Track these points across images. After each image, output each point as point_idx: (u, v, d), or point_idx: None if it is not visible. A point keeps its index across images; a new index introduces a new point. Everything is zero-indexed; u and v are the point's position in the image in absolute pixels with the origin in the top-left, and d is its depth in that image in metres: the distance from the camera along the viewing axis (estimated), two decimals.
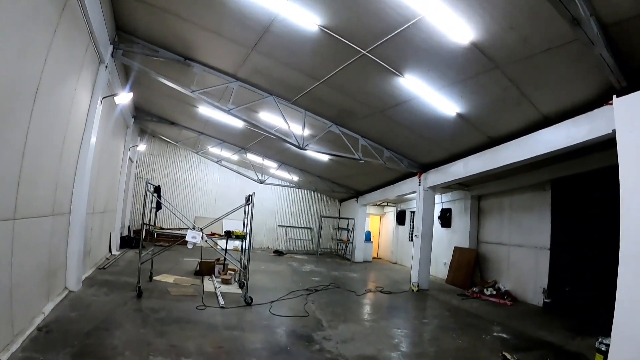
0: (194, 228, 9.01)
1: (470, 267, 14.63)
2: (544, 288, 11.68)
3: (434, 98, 8.99)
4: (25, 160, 4.91)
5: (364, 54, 7.82)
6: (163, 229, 11.12)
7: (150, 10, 8.16)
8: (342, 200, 25.94)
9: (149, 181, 9.71)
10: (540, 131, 8.77)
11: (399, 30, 6.81)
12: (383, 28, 6.91)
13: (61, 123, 6.59)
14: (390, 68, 8.19)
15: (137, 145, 18.04)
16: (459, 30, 6.49)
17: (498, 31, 6.30)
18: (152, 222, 10.81)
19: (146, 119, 17.04)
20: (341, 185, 22.62)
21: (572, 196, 11.57)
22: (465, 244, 15.64)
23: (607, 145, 7.34)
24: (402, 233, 22.65)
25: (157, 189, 10.45)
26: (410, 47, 7.27)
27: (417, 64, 7.92)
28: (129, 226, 19.01)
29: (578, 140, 7.64)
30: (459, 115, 9.46)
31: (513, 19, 5.97)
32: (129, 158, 16.83)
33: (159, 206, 10.94)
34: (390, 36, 7.04)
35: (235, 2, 7.14)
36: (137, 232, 18.66)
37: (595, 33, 5.19)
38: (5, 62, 4.04)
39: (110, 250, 14.38)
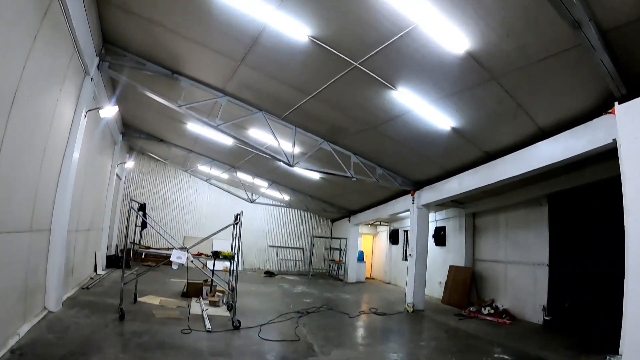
0: (181, 248, 8.62)
1: (466, 286, 14.32)
2: (543, 305, 11.39)
3: (428, 112, 8.78)
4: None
5: (356, 66, 7.61)
6: (151, 248, 10.75)
7: (137, 22, 7.93)
8: (334, 220, 25.61)
9: (134, 198, 9.35)
10: (537, 144, 8.56)
11: (392, 40, 6.60)
12: (375, 38, 6.70)
13: (41, 134, 6.28)
14: (382, 81, 7.97)
15: (125, 163, 17.68)
16: (454, 39, 6.29)
17: (494, 39, 6.11)
18: (137, 241, 10.43)
19: (134, 135, 16.69)
20: (333, 205, 22.29)
21: (569, 210, 11.38)
22: (460, 262, 15.34)
23: (604, 156, 7.26)
24: (395, 252, 22.31)
25: (142, 207, 10.10)
26: (403, 58, 7.07)
27: (410, 76, 7.72)
28: (117, 245, 18.50)
29: (577, 151, 7.43)
30: (454, 129, 9.25)
31: (510, 26, 5.79)
32: (117, 175, 16.44)
33: (144, 225, 10.56)
34: (382, 46, 6.83)
35: (222, 12, 6.91)
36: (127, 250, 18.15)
37: (595, 37, 5.01)
38: None
39: (95, 270, 13.86)
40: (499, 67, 6.78)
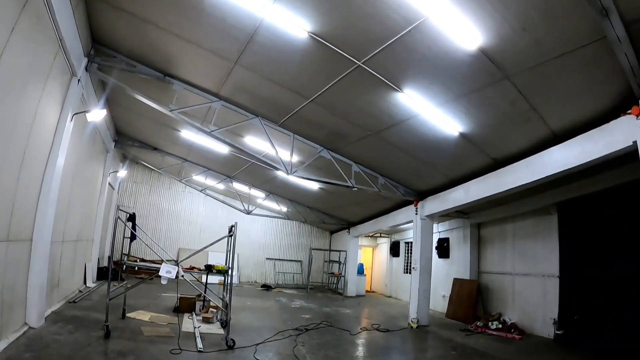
0: (171, 261, 8.05)
1: (472, 299, 13.78)
2: (554, 319, 10.88)
3: (435, 116, 8.31)
4: None
5: (359, 65, 7.15)
6: (144, 260, 10.18)
7: (127, 19, 7.44)
8: (332, 232, 25.04)
9: (122, 208, 8.82)
10: (550, 149, 8.11)
11: (399, 36, 6.15)
12: (381, 33, 6.24)
13: (20, 137, 5.80)
14: (387, 82, 7.50)
15: (117, 171, 17.12)
16: (467, 34, 5.85)
17: (509, 33, 5.69)
18: (127, 253, 9.89)
19: (127, 143, 16.14)
20: (332, 216, 21.73)
21: (581, 218, 10.95)
22: (465, 275, 14.82)
23: (620, 161, 7.08)
24: (396, 265, 21.74)
25: (131, 217, 9.56)
26: (411, 55, 6.61)
27: (418, 76, 7.25)
28: (109, 257, 17.83)
29: (593, 156, 7.01)
30: (462, 134, 8.78)
31: (526, 19, 5.38)
32: (110, 185, 15.90)
33: (133, 236, 10.00)
34: (389, 43, 6.37)
35: (216, 8, 6.47)
36: (117, 263, 17.58)
37: (621, 28, 4.60)
38: None
39: (85, 282, 13.24)
40: (513, 65, 6.36)
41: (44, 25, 5.77)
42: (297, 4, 6.04)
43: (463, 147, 9.31)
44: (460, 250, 15.57)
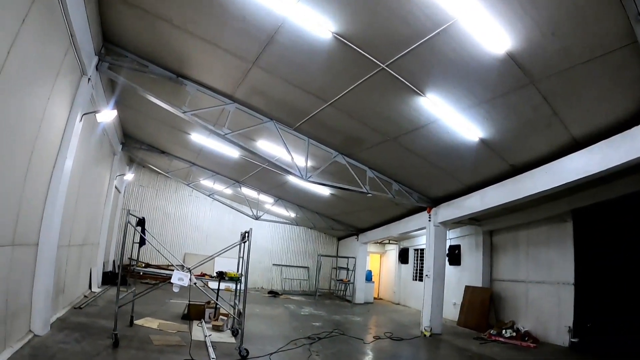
0: (182, 268, 7.79)
1: (484, 307, 13.55)
2: (569, 327, 10.65)
3: (456, 121, 8.10)
4: None
5: (383, 68, 6.93)
6: (150, 265, 9.94)
7: (141, 17, 7.20)
8: (340, 238, 24.75)
9: (132, 212, 8.58)
10: (570, 155, 7.98)
11: (427, 38, 5.96)
12: (408, 35, 6.03)
13: (27, 135, 5.56)
14: (410, 85, 7.28)
15: (124, 175, 16.94)
16: (496, 38, 5.67)
17: (538, 38, 5.53)
18: (136, 258, 9.64)
19: (135, 146, 15.94)
20: (341, 222, 21.45)
21: (596, 225, 10.75)
22: (477, 282, 14.56)
23: (637, 168, 6.99)
24: (405, 272, 21.45)
25: (140, 222, 9.32)
26: (437, 59, 6.42)
27: (442, 80, 7.05)
28: (114, 261, 17.65)
29: (614, 163, 6.92)
30: (482, 140, 8.56)
31: (557, 23, 5.24)
32: (116, 188, 15.68)
33: (142, 241, 9.76)
34: (415, 45, 6.18)
35: (237, 5, 6.24)
36: (123, 268, 17.38)
37: None
38: None
39: (90, 287, 13.00)
40: (539, 70, 6.19)
41: (56, 19, 5.55)
42: (323, 3, 5.83)
43: (482, 153, 9.10)
44: (472, 258, 15.31)
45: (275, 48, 7.12)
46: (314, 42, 6.66)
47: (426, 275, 12.89)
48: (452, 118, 8.02)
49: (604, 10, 4.83)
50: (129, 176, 17.86)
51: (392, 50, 6.47)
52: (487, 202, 10.63)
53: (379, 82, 7.35)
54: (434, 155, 10.02)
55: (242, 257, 9.08)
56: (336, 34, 6.34)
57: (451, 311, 15.31)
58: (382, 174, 11.99)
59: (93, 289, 13.13)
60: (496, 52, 5.93)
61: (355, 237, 21.71)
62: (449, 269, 15.89)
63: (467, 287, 14.82)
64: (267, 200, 20.25)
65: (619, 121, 6.84)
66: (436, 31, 5.75)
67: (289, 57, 7.36)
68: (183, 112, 9.02)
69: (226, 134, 9.54)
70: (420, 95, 7.49)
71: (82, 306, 10.18)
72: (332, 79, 7.85)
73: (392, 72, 6.98)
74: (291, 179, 14.81)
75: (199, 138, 13.38)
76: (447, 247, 16.15)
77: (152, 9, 6.92)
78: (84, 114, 7.69)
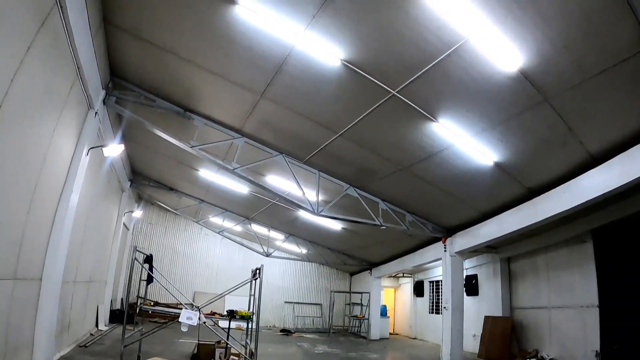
0: (191, 306, 7.55)
1: (506, 337, 12.99)
2: (596, 351, 10.20)
3: (470, 146, 7.94)
4: None
5: (393, 94, 6.85)
6: (159, 304, 9.68)
7: (148, 50, 7.23)
8: (353, 273, 24.22)
9: (139, 249, 8.41)
10: (588, 172, 7.80)
11: (437, 60, 5.89)
12: (418, 59, 6.00)
13: (31, 167, 5.47)
14: (422, 111, 7.18)
15: (132, 211, 16.84)
16: (507, 55, 5.59)
17: (550, 52, 5.47)
18: (143, 296, 9.40)
19: (143, 183, 15.90)
20: (353, 257, 21.03)
21: (617, 244, 10.37)
22: (497, 312, 14.04)
23: None
24: (420, 305, 20.85)
25: (148, 259, 9.13)
26: (449, 81, 6.35)
27: (454, 103, 6.96)
28: (122, 299, 17.33)
29: (634, 175, 6.77)
30: (497, 164, 8.37)
31: (568, 35, 5.20)
32: (124, 225, 15.55)
33: (150, 279, 9.55)
34: (426, 68, 6.12)
35: (244, 36, 6.23)
36: (131, 306, 17.02)
37: None
38: None
39: (97, 325, 12.70)
40: (553, 86, 6.11)
41: (62, 49, 5.52)
42: (332, 29, 5.79)
43: (497, 177, 8.91)
44: (490, 287, 14.84)
45: (284, 78, 7.07)
46: (323, 70, 6.61)
47: (444, 307, 12.49)
48: (466, 143, 7.87)
49: (614, 18, 4.78)
50: (138, 213, 17.76)
51: (403, 76, 6.41)
52: (504, 228, 10.38)
53: (389, 109, 7.25)
54: (448, 183, 9.82)
55: (253, 295, 8.84)
56: (345, 60, 6.29)
57: (471, 343, 14.69)
58: (395, 205, 11.75)
59: (100, 327, 12.84)
60: (508, 70, 5.85)
61: (369, 271, 21.22)
62: (467, 299, 15.38)
63: (486, 318, 14.30)
64: (278, 236, 19.98)
65: (635, 133, 6.70)
66: (447, 52, 5.69)
67: (297, 87, 7.31)
68: (191, 147, 8.93)
69: (235, 169, 9.41)
70: (433, 120, 7.37)
71: (87, 344, 9.88)
72: (342, 108, 7.77)
73: (403, 98, 6.88)
74: (302, 214, 14.58)
75: (207, 174, 13.30)
76: (464, 277, 15.77)
77: (159, 42, 6.96)
78: (91, 148, 7.61)
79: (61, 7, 4.90)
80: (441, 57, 5.80)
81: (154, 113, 9.10)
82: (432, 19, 5.21)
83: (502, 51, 5.53)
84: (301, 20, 5.70)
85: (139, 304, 9.22)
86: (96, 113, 7.67)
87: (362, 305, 21.01)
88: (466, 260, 16.04)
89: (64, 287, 7.36)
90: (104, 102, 8.11)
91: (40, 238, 6.34)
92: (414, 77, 6.34)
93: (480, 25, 5.16)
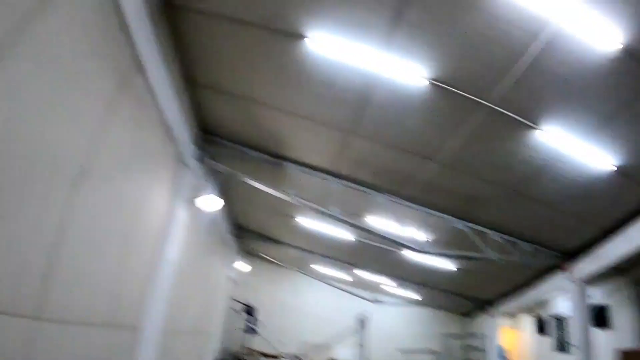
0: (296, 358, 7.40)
1: None
2: None
3: (580, 150, 7.15)
4: (59, 250, 4.02)
5: (486, 105, 6.42)
6: (266, 355, 9.64)
7: (231, 101, 7.68)
8: (464, 314, 22.78)
9: (237, 299, 8.48)
10: None
11: (527, 54, 5.40)
12: (506, 58, 5.60)
13: (126, 222, 5.78)
14: (521, 119, 6.62)
15: (236, 264, 17.30)
16: (604, 32, 4.93)
17: None
18: (248, 347, 9.42)
19: (245, 236, 16.37)
20: (466, 298, 19.67)
21: None
22: (630, 344, 12.22)
23: None
24: (543, 344, 19.10)
25: (248, 310, 9.17)
26: (544, 77, 5.82)
27: (554, 102, 6.36)
28: (227, 350, 17.57)
29: None
30: (616, 167, 7.37)
31: None
32: (231, 278, 15.96)
33: (251, 330, 9.58)
34: (516, 65, 5.63)
35: (322, 70, 6.28)
36: (235, 356, 17.07)
37: None
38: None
39: None
40: None
41: (148, 109, 5.83)
42: (411, 48, 5.66)
43: (617, 182, 7.80)
44: (623, 317, 13.04)
45: (372, 110, 7.02)
46: (410, 94, 6.46)
47: (574, 345, 11.23)
48: (574, 147, 7.11)
49: None
50: (243, 266, 18.19)
51: (493, 81, 6.01)
52: (635, 245, 8.93)
53: (485, 122, 6.84)
54: (560, 199, 8.90)
55: (362, 344, 8.53)
56: (432, 79, 6.07)
57: None
58: (505, 234, 10.81)
59: None
60: (608, 50, 5.15)
61: (482, 311, 19.90)
62: (596, 333, 13.90)
63: (622, 352, 12.70)
64: (385, 282, 19.35)
65: None
66: (534, 42, 5.21)
67: (386, 117, 7.23)
68: (292, 197, 8.95)
69: (334, 214, 9.26)
70: (535, 128, 6.77)
71: None
72: (433, 130, 7.47)
73: (497, 108, 6.44)
74: (408, 255, 13.90)
75: (305, 221, 13.31)
76: (591, 306, 14.30)
77: (240, 92, 7.30)
78: (188, 203, 7.98)
79: (141, 69, 5.18)
80: (529, 48, 5.30)
81: (248, 163, 9.34)
82: (513, 11, 4.86)
83: (597, 29, 4.91)
84: (375, 42, 5.63)
85: (244, 353, 9.23)
86: (189, 169, 8.06)
87: (479, 349, 19.68)
88: (592, 288, 14.59)
89: (164, 338, 7.59)
90: (195, 157, 8.46)
91: (134, 288, 6.56)
92: (504, 79, 5.91)
93: (566, 4, 4.67)
